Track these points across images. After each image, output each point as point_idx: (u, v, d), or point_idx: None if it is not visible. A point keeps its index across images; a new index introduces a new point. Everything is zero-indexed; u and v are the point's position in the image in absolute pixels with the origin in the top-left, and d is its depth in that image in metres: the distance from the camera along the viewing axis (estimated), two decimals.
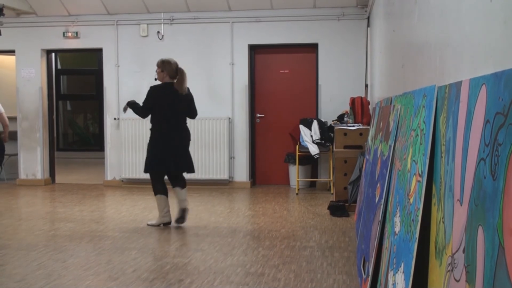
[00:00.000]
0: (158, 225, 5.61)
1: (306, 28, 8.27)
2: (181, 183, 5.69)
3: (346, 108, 7.82)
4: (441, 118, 2.01)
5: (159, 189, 5.62)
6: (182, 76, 5.60)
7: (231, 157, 8.46)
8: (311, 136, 7.89)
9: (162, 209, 5.60)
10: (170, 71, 5.59)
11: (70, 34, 8.78)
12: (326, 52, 8.26)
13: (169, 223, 5.63)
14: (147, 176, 8.53)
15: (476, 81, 1.61)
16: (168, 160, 5.58)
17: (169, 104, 5.57)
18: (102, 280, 3.89)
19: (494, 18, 1.61)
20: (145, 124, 8.52)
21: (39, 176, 8.95)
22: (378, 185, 3.37)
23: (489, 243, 1.32)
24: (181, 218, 5.60)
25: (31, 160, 8.90)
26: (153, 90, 5.64)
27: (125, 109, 5.84)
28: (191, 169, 5.81)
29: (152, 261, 4.34)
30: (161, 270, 4.11)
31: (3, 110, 6.96)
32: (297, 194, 7.75)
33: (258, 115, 8.64)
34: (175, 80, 5.61)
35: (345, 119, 7.64)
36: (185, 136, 5.71)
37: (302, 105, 8.49)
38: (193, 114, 5.85)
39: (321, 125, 8.00)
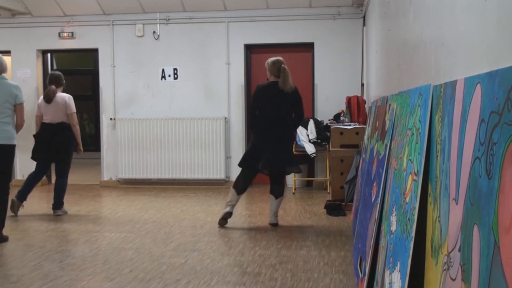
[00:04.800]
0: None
1: (302, 28, 8.27)
2: (275, 191, 5.67)
3: (342, 107, 7.83)
4: (437, 117, 2.02)
5: (235, 185, 5.68)
6: (283, 73, 5.62)
7: (228, 157, 8.46)
8: (308, 135, 7.90)
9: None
10: (274, 71, 5.66)
11: (65, 34, 8.76)
12: (322, 52, 8.27)
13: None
14: (143, 176, 8.64)
15: (471, 80, 1.62)
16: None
17: (272, 103, 5.62)
18: (99, 280, 3.88)
19: (488, 17, 1.62)
20: (141, 124, 8.52)
21: None
22: (375, 184, 3.37)
23: (484, 242, 1.32)
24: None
25: (27, 160, 8.85)
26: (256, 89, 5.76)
27: None
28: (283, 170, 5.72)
29: (148, 261, 4.34)
30: (157, 270, 4.10)
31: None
32: (293, 193, 7.75)
33: None
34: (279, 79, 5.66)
35: (341, 118, 7.65)
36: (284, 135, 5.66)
37: None
38: (298, 115, 5.73)
39: (317, 124, 8.01)
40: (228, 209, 5.59)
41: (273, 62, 5.67)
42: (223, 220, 5.59)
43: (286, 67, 5.64)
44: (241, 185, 5.67)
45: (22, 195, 6.30)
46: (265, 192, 7.86)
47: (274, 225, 5.61)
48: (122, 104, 8.70)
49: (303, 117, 5.83)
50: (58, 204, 6.33)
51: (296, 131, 7.93)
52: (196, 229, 5.52)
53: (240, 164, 5.80)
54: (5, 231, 5.11)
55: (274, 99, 5.58)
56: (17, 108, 5.10)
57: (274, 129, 5.57)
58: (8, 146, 5.04)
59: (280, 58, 5.73)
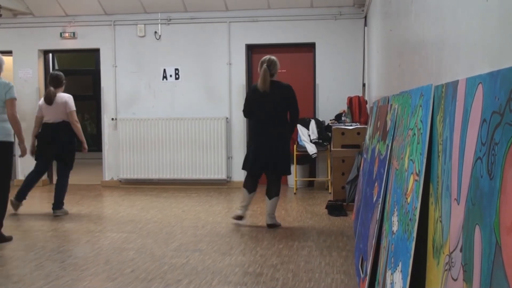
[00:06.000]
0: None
1: (303, 28, 8.27)
2: (268, 191, 5.64)
3: (344, 107, 7.82)
4: (438, 117, 2.02)
5: (244, 184, 5.76)
6: (261, 73, 5.56)
7: (229, 157, 8.46)
8: (309, 135, 7.89)
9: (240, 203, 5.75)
10: (259, 70, 5.62)
11: (67, 34, 8.77)
12: (324, 52, 8.26)
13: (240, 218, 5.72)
14: (145, 176, 8.65)
15: (472, 81, 1.62)
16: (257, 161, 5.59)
17: (258, 103, 5.59)
18: (100, 280, 3.89)
19: (490, 18, 1.62)
20: (143, 124, 8.53)
21: None
22: (376, 184, 3.37)
23: (486, 242, 1.32)
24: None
25: (29, 160, 8.87)
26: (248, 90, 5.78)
27: None
28: (278, 171, 5.64)
29: (150, 262, 4.34)
30: (159, 270, 4.10)
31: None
32: (295, 193, 7.75)
33: None
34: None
35: (343, 118, 7.65)
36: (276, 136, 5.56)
37: (299, 104, 8.39)
38: (291, 113, 5.63)
39: (319, 124, 8.00)
40: (239, 212, 5.69)
41: (260, 62, 5.62)
42: (236, 219, 5.72)
43: (265, 66, 5.50)
44: (249, 184, 5.72)
45: (21, 195, 6.33)
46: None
47: (271, 226, 5.55)
48: (123, 104, 8.70)
49: (298, 114, 5.68)
50: (58, 204, 6.33)
51: (296, 130, 7.94)
52: (198, 229, 5.52)
53: (243, 168, 5.85)
54: (6, 231, 5.11)
55: (260, 99, 5.55)
56: (7, 103, 5.04)
57: (264, 128, 5.55)
58: (6, 143, 5.03)
59: (268, 57, 5.59)
